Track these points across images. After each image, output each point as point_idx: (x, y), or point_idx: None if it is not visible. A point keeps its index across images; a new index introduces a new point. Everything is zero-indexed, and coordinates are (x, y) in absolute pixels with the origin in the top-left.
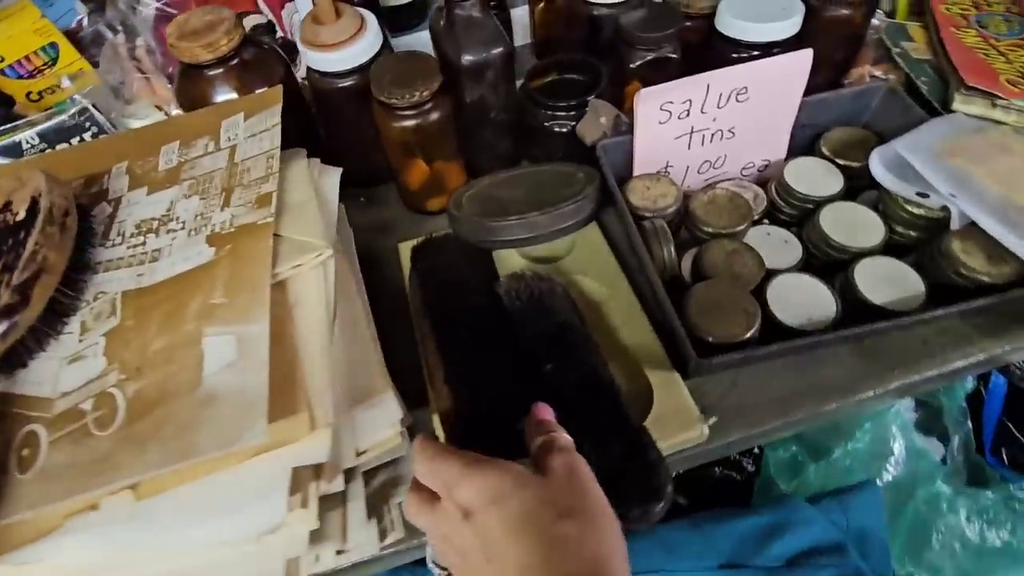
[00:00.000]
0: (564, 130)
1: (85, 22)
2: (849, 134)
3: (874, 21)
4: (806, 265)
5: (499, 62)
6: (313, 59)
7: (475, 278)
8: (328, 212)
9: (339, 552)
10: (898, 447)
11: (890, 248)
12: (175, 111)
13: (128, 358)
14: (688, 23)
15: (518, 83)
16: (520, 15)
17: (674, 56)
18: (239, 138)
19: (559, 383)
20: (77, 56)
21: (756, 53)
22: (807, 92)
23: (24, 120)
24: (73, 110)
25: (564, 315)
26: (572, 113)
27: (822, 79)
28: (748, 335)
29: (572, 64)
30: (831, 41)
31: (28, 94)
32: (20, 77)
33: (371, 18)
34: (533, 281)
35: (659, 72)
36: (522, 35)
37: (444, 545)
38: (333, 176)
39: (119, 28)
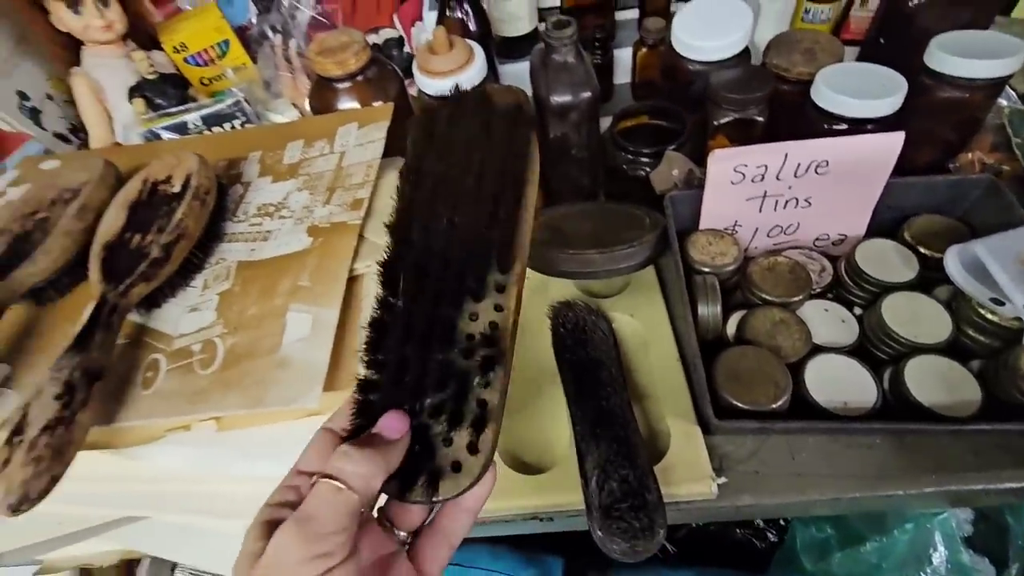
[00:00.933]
0: (641, 174)
1: (254, 21)
2: (938, 223)
3: (1001, 102)
4: (859, 349)
5: (584, 105)
6: (423, 82)
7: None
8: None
9: None
10: (939, 558)
11: (953, 349)
12: (307, 107)
13: (231, 317)
14: (784, 86)
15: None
16: (623, 57)
17: (760, 119)
18: (349, 145)
19: (580, 410)
20: (242, 52)
21: (846, 127)
22: (901, 170)
23: (192, 104)
24: (229, 100)
25: (602, 350)
26: (650, 160)
27: (925, 158)
28: (773, 406)
29: (661, 111)
30: (941, 122)
31: (201, 79)
32: (197, 65)
33: (479, 52)
34: (582, 312)
35: (743, 132)
36: (623, 75)
37: None
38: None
39: (279, 29)
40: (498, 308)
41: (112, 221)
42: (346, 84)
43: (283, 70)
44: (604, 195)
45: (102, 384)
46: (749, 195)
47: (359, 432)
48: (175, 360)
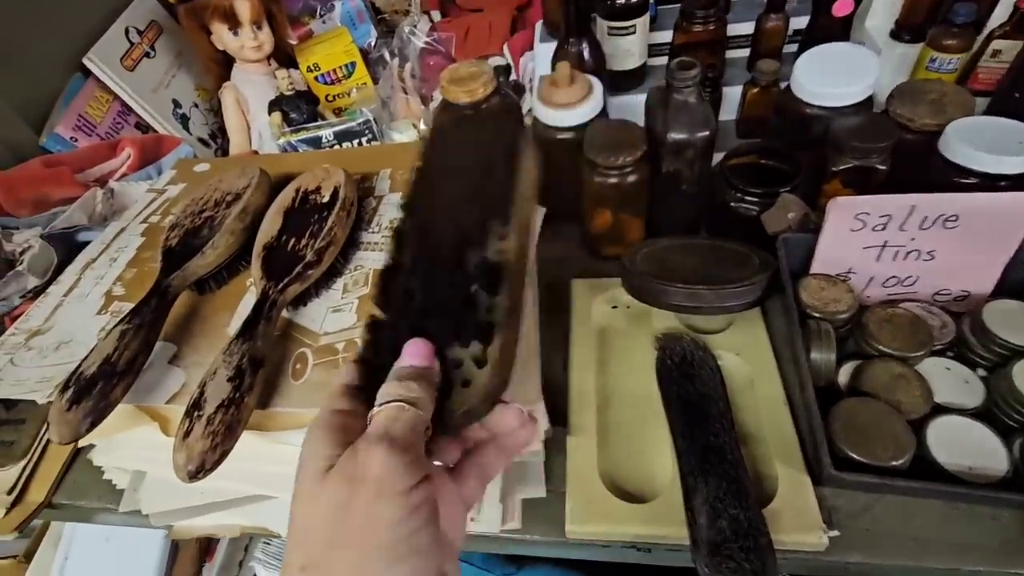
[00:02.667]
0: (749, 213)
1: (374, 44)
2: None
3: None
4: (986, 413)
5: (701, 144)
6: (543, 113)
7: None
8: (532, 243)
9: (471, 519)
10: None
11: None
12: (423, 127)
13: None
14: (908, 136)
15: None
16: (731, 94)
17: (881, 168)
18: None
19: (688, 444)
20: (365, 73)
21: (975, 182)
22: None
23: (326, 122)
24: (360, 119)
25: (710, 387)
26: (760, 200)
27: None
28: (894, 463)
29: (772, 152)
30: None
31: (327, 96)
32: (326, 83)
33: (598, 86)
34: (689, 346)
35: (862, 179)
36: (729, 111)
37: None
38: (539, 214)
39: (395, 54)
40: (500, 252)
41: (270, 225)
42: (470, 110)
43: (399, 91)
44: (706, 231)
45: (263, 371)
46: (867, 243)
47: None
48: (321, 356)
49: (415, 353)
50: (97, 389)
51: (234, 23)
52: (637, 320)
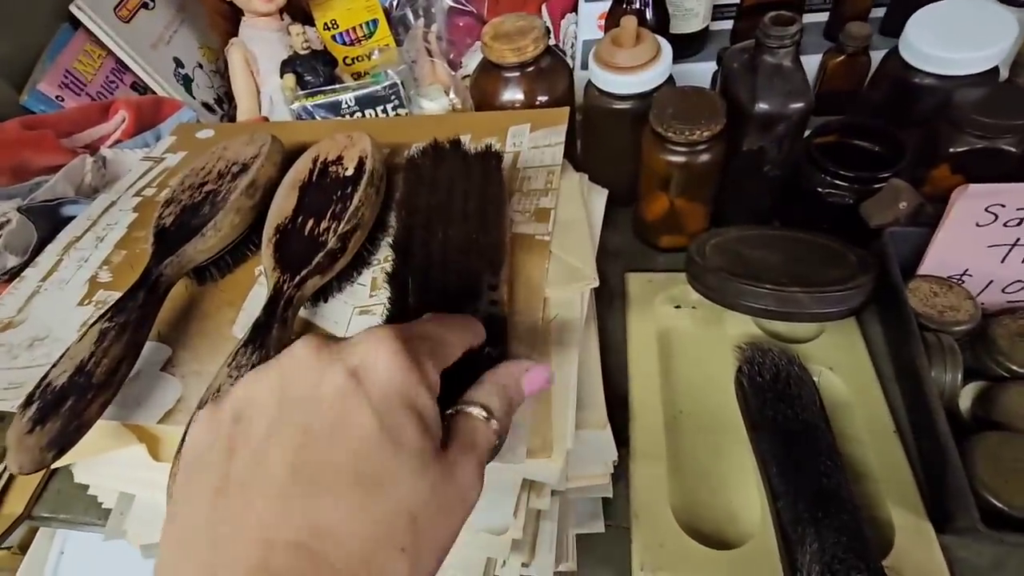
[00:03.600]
0: (842, 202)
1: (397, 2)
2: None
3: None
4: None
5: (796, 117)
6: (601, 78)
7: None
8: (593, 235)
9: (524, 565)
10: None
11: None
12: (452, 96)
13: None
14: None
15: None
16: (808, 64)
17: (1013, 151)
18: (523, 146)
19: (794, 487)
20: (388, 33)
21: None
22: None
23: (346, 84)
24: (386, 83)
25: (811, 412)
26: (856, 186)
27: None
28: None
29: (867, 130)
30: None
31: (345, 58)
32: (344, 44)
33: (666, 47)
34: (781, 360)
35: (985, 164)
36: None
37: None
38: (600, 198)
39: (421, 13)
40: (493, 302)
41: (283, 202)
42: (517, 73)
43: (424, 55)
44: (780, 220)
45: None
46: (994, 241)
47: None
48: None
49: (537, 381)
50: (67, 407)
51: None
52: (706, 323)
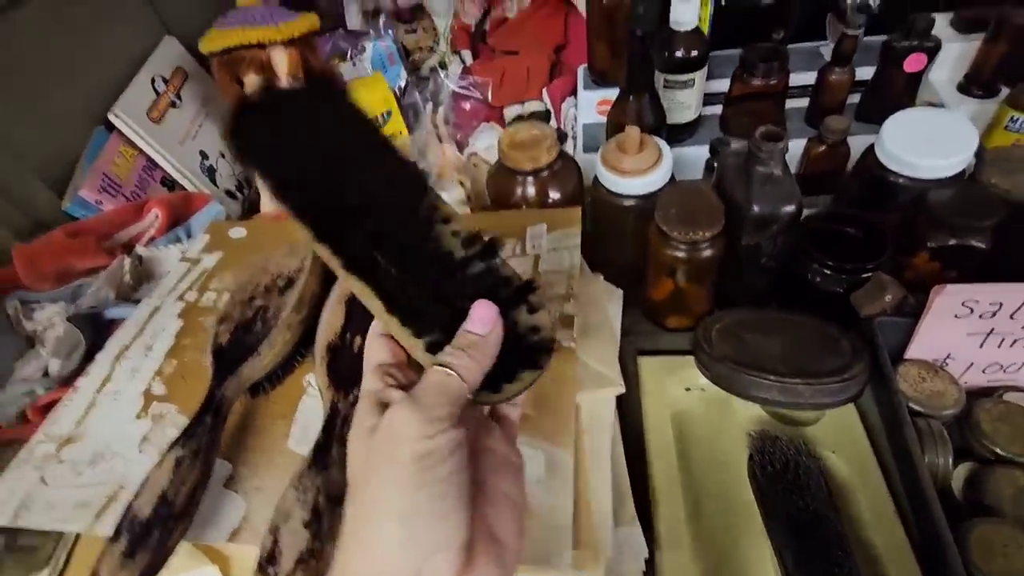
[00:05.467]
0: (832, 289)
1: (404, 87)
2: None
3: None
4: None
5: (787, 218)
6: (608, 180)
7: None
8: (615, 339)
9: None
10: None
11: None
12: (460, 177)
13: None
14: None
15: None
16: (794, 148)
17: (982, 247)
18: (542, 248)
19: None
20: (401, 121)
21: None
22: None
23: None
24: None
25: (819, 503)
26: (845, 276)
27: None
28: None
29: (852, 220)
30: None
31: None
32: None
33: (667, 152)
34: (789, 450)
35: (959, 257)
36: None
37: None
38: (616, 301)
39: (429, 98)
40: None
41: (331, 318)
42: (531, 176)
43: (434, 138)
44: (776, 301)
45: (341, 508)
46: (972, 330)
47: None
48: None
49: (479, 319)
50: (155, 538)
51: (270, 75)
52: (716, 405)
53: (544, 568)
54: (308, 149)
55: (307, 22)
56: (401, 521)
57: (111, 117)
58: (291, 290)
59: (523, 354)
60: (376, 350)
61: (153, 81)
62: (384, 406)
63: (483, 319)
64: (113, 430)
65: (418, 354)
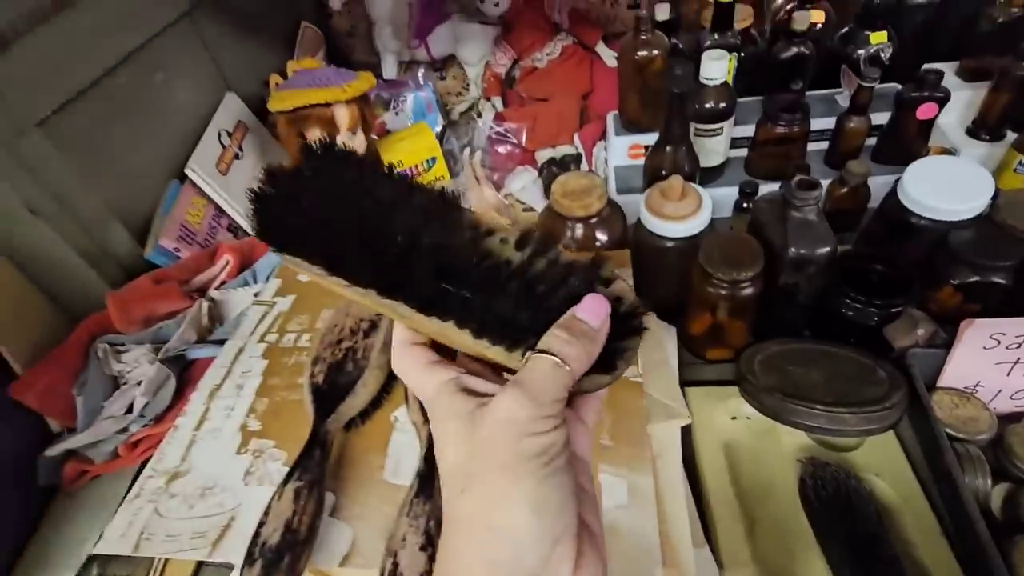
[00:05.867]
0: (866, 322)
1: (440, 130)
2: None
3: None
4: None
5: (823, 259)
6: (652, 223)
7: None
8: (674, 374)
9: None
10: None
11: None
12: (502, 218)
13: None
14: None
15: None
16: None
17: (1004, 283)
18: None
19: None
20: (444, 166)
21: None
22: None
23: None
24: None
25: (872, 525)
26: (876, 311)
27: None
28: None
29: (879, 257)
30: None
31: None
32: None
33: (706, 199)
34: (840, 475)
35: (982, 292)
36: None
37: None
38: (671, 337)
39: (467, 143)
40: (490, 232)
41: None
42: (581, 223)
43: (472, 181)
44: (811, 332)
45: None
46: (999, 360)
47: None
48: None
49: (591, 310)
50: (286, 563)
51: (332, 130)
52: (762, 433)
53: None
54: (339, 216)
55: (366, 82)
56: (534, 511)
57: (188, 172)
58: (376, 332)
59: (618, 327)
60: (416, 355)
61: (219, 135)
62: (469, 392)
63: (595, 311)
64: (217, 465)
65: (517, 366)
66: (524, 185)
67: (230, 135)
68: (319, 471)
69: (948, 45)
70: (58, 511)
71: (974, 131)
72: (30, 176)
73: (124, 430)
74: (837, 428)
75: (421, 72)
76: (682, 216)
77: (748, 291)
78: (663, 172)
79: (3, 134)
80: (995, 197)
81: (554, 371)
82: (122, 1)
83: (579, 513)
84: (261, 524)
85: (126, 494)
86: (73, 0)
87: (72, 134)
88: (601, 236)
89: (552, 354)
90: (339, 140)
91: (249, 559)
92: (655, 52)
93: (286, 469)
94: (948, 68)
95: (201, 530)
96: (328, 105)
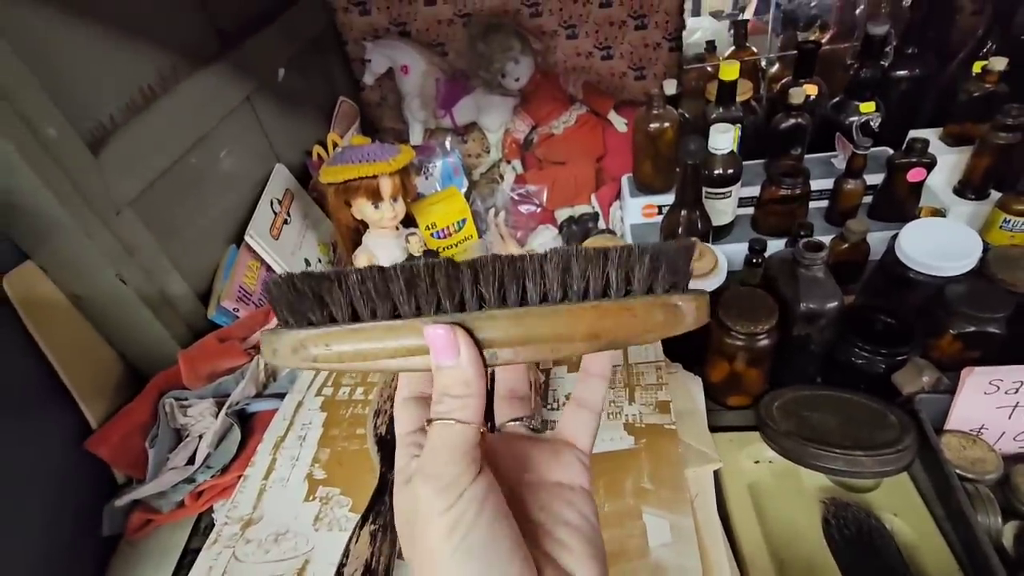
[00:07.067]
0: (873, 370)
1: (465, 192)
2: None
3: None
4: None
5: (832, 313)
6: None
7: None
8: (704, 420)
9: None
10: None
11: None
12: None
13: None
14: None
15: None
16: None
17: (998, 332)
18: None
19: None
20: (472, 226)
21: None
22: None
23: None
24: None
25: (893, 560)
26: (883, 359)
27: None
28: None
29: (882, 309)
30: None
31: (439, 249)
32: (439, 238)
33: (722, 258)
34: (861, 515)
35: (978, 341)
36: None
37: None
38: (698, 386)
39: (492, 205)
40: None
41: None
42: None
43: (498, 238)
44: (822, 379)
45: None
46: (1000, 404)
47: None
48: None
49: (434, 350)
50: None
51: (377, 199)
52: (784, 476)
53: None
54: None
55: (408, 155)
56: None
57: (248, 238)
58: None
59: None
60: (402, 421)
61: (271, 203)
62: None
63: (439, 346)
64: (287, 512)
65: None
66: (545, 242)
67: (280, 202)
68: (391, 515)
69: (931, 113)
70: (121, 560)
71: (961, 191)
72: (124, 250)
73: (191, 480)
74: (855, 470)
75: (448, 140)
76: (701, 275)
77: (764, 342)
78: (679, 232)
79: (105, 213)
80: (985, 252)
81: (443, 435)
82: (197, 92)
83: (544, 556)
84: (342, 564)
85: (187, 543)
86: (159, 93)
87: (153, 210)
88: None
89: (435, 419)
90: (382, 207)
91: None
92: (666, 124)
93: (352, 515)
94: (933, 134)
95: (278, 573)
96: (374, 177)
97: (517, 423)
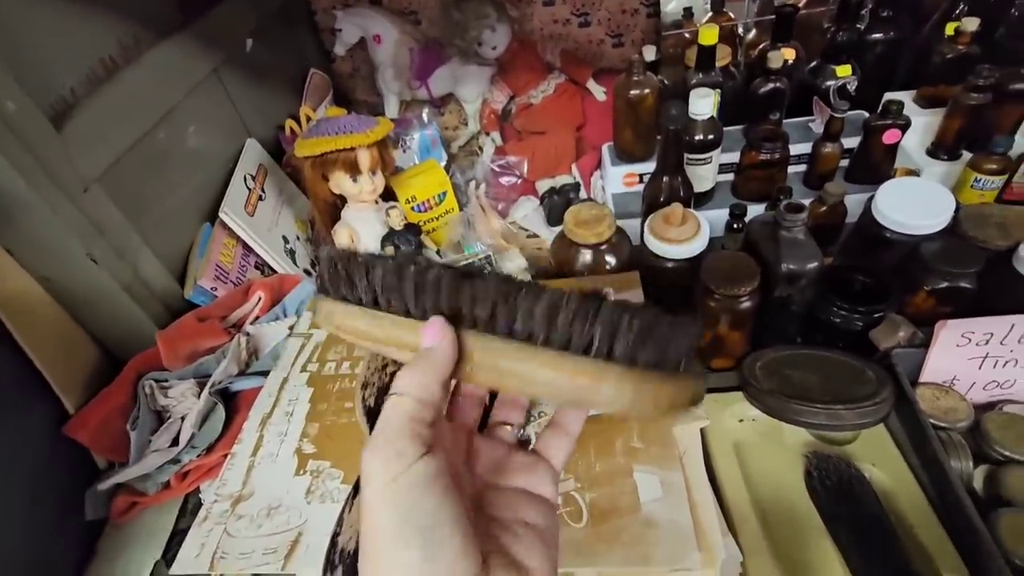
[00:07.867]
0: (851, 327)
1: (445, 165)
2: None
3: None
4: None
5: (812, 274)
6: (656, 247)
7: None
8: None
9: None
10: None
11: None
12: (503, 242)
13: (580, 472)
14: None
15: None
16: None
17: (970, 287)
18: None
19: (876, 569)
20: (453, 199)
21: None
22: None
23: (450, 259)
24: (481, 254)
25: (872, 506)
26: (861, 317)
27: None
28: None
29: (860, 269)
30: None
31: (421, 223)
32: (420, 211)
33: (704, 224)
34: (842, 466)
35: (951, 296)
36: None
37: None
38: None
39: (473, 176)
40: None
41: None
42: (591, 249)
43: (478, 211)
44: (802, 339)
45: None
46: (971, 356)
47: None
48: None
49: (427, 334)
50: None
51: (355, 172)
52: (767, 433)
53: (675, 566)
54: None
55: (386, 127)
56: (407, 568)
57: (222, 215)
58: None
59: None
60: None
61: (245, 179)
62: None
63: (431, 332)
64: (278, 486)
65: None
66: (527, 213)
67: (253, 178)
68: None
69: (906, 75)
70: (108, 544)
71: (933, 152)
72: (93, 228)
73: (176, 461)
74: (835, 423)
75: (425, 112)
76: (684, 239)
77: (746, 304)
78: (661, 199)
79: (71, 189)
80: (957, 211)
81: (394, 405)
82: (161, 63)
83: (502, 551)
84: (336, 534)
85: (175, 524)
86: (120, 64)
87: (122, 187)
88: (610, 260)
89: (391, 394)
90: (360, 181)
91: (330, 565)
92: (646, 91)
93: (344, 486)
94: (907, 96)
95: (272, 546)
96: (352, 150)
97: (507, 428)
